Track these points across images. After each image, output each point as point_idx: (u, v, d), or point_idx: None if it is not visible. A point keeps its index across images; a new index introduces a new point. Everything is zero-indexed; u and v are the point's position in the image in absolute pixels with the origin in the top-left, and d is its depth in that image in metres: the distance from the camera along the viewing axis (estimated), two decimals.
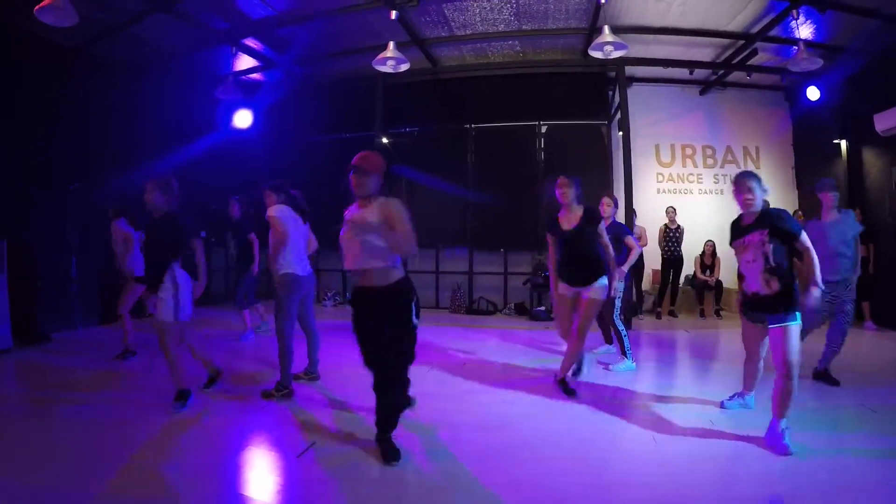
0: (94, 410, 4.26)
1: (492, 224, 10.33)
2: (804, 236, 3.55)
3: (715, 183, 10.63)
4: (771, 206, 3.84)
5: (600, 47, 6.71)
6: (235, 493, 2.98)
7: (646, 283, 10.03)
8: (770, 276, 3.55)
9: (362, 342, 3.40)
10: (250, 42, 8.68)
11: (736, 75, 9.82)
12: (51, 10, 5.44)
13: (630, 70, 9.77)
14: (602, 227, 4.76)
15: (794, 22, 7.04)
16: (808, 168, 10.04)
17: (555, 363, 5.23)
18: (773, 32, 7.89)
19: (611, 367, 5.65)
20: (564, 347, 4.99)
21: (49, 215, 7.48)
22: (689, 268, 9.75)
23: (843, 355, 5.05)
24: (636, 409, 4.42)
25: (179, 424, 3.98)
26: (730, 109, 10.61)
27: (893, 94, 7.57)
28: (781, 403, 3.47)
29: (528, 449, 3.57)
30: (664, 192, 10.60)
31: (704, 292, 9.62)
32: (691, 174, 10.68)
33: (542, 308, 9.34)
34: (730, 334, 7.67)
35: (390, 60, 7.43)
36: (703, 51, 9.12)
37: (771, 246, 3.54)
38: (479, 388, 5.01)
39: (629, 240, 5.94)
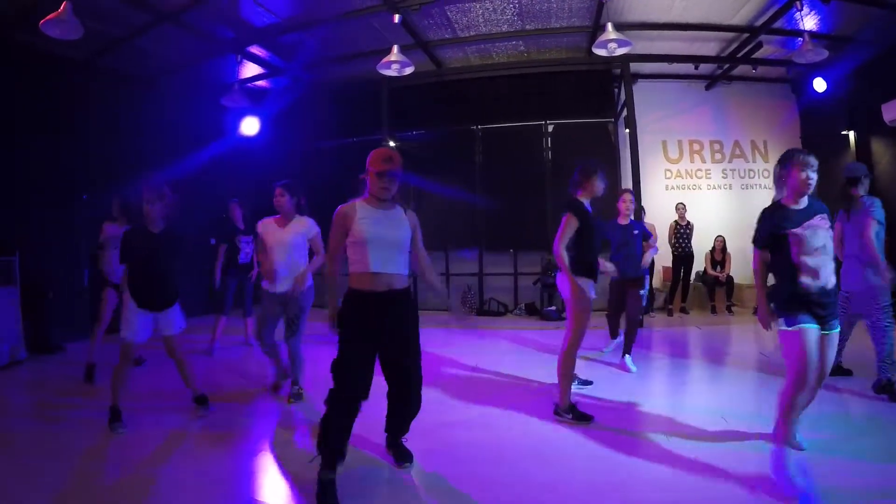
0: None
1: (501, 224, 10.33)
2: None
3: (723, 178, 10.58)
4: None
5: (604, 45, 6.69)
6: (250, 499, 3.00)
7: (657, 281, 9.99)
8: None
9: (381, 349, 3.13)
10: (255, 49, 8.73)
11: (741, 69, 9.78)
12: (56, 23, 5.46)
13: (635, 67, 9.77)
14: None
15: (798, 13, 6.99)
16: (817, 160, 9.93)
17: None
18: (778, 24, 7.85)
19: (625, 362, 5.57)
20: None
21: (59, 227, 7.54)
22: (699, 264, 9.71)
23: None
24: (648, 408, 4.40)
25: (191, 429, 4.01)
26: (736, 103, 10.56)
27: None
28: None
29: (536, 456, 3.57)
30: (673, 188, 10.55)
31: (715, 288, 9.56)
32: (699, 170, 10.63)
33: (553, 308, 9.32)
34: (741, 330, 7.66)
35: (395, 64, 7.43)
36: (708, 45, 9.08)
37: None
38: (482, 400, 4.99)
39: (651, 241, 5.95)
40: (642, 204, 8.71)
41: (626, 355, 5.62)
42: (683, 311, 9.46)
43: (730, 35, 8.58)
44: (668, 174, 10.64)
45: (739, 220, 9.85)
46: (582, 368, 5.12)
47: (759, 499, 2.79)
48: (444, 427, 3.98)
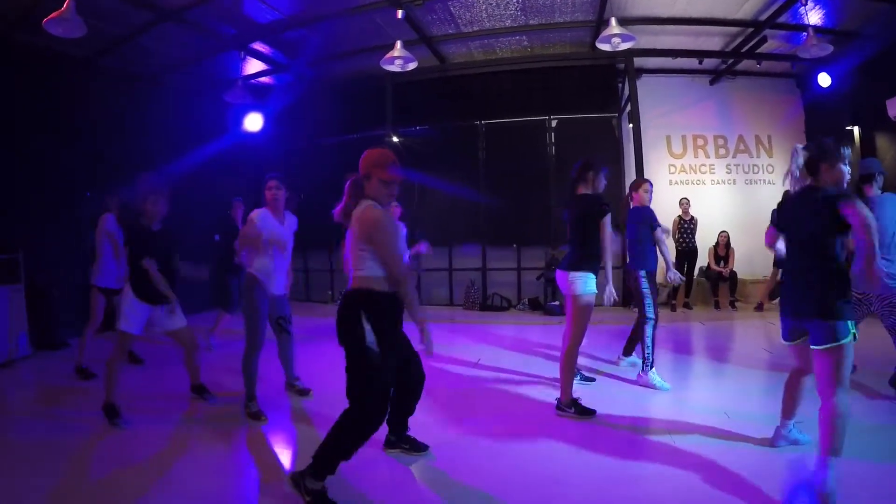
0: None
1: (504, 220, 10.33)
2: None
3: (727, 173, 10.55)
4: None
5: (608, 39, 6.67)
6: (250, 498, 3.03)
7: (660, 276, 9.95)
8: None
9: (400, 352, 3.11)
10: (258, 46, 8.74)
11: (746, 63, 9.74)
12: (59, 21, 5.48)
13: (639, 61, 9.73)
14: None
15: (803, 8, 6.96)
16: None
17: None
18: (782, 19, 7.82)
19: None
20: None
21: (63, 224, 7.56)
22: (703, 259, 9.70)
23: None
24: (651, 404, 4.42)
25: (190, 429, 4.05)
26: (740, 98, 10.52)
27: None
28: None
29: (537, 450, 3.58)
30: (676, 183, 10.52)
31: (719, 283, 9.55)
32: (703, 165, 10.60)
33: (556, 303, 9.31)
34: (745, 326, 7.65)
35: (398, 59, 7.43)
36: (712, 40, 9.05)
37: None
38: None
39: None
40: None
41: (626, 357, 5.62)
42: (687, 306, 9.46)
43: (734, 30, 8.55)
44: (672, 169, 10.61)
45: (743, 216, 9.86)
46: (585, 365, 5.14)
47: (762, 497, 2.79)
48: (445, 422, 4.00)
